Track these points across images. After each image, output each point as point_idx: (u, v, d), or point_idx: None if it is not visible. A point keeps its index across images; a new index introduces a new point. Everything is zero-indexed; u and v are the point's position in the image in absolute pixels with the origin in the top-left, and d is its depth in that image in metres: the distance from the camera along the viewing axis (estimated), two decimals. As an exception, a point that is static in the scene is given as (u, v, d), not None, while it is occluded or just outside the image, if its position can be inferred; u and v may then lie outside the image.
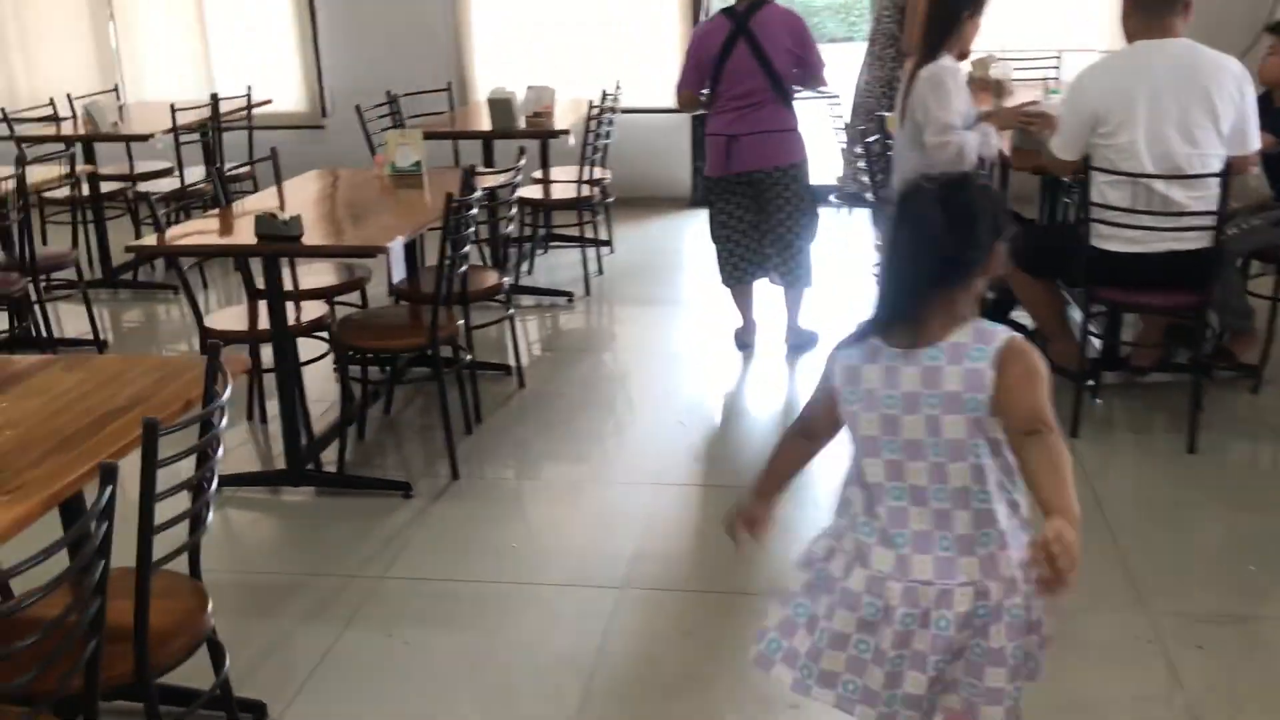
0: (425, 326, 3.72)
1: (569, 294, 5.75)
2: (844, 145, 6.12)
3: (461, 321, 4.00)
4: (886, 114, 5.08)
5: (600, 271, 6.16)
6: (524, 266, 6.15)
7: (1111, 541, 3.25)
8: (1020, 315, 4.59)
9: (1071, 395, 4.00)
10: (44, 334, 4.77)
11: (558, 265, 6.32)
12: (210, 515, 2.22)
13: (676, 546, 3.39)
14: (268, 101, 7.04)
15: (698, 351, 4.99)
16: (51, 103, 6.31)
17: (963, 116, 4.32)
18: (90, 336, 5.04)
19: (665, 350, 5.08)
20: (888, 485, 1.86)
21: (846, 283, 5.41)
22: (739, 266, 4.80)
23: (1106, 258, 3.81)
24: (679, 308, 5.72)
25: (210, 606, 2.20)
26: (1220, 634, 2.84)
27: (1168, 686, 2.64)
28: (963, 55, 4.42)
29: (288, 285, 4.15)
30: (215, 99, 6.28)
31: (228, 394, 2.22)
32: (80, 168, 5.32)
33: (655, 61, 7.39)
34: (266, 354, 3.94)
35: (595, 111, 5.74)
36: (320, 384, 4.46)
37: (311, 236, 3.52)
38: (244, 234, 3.57)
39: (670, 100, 7.50)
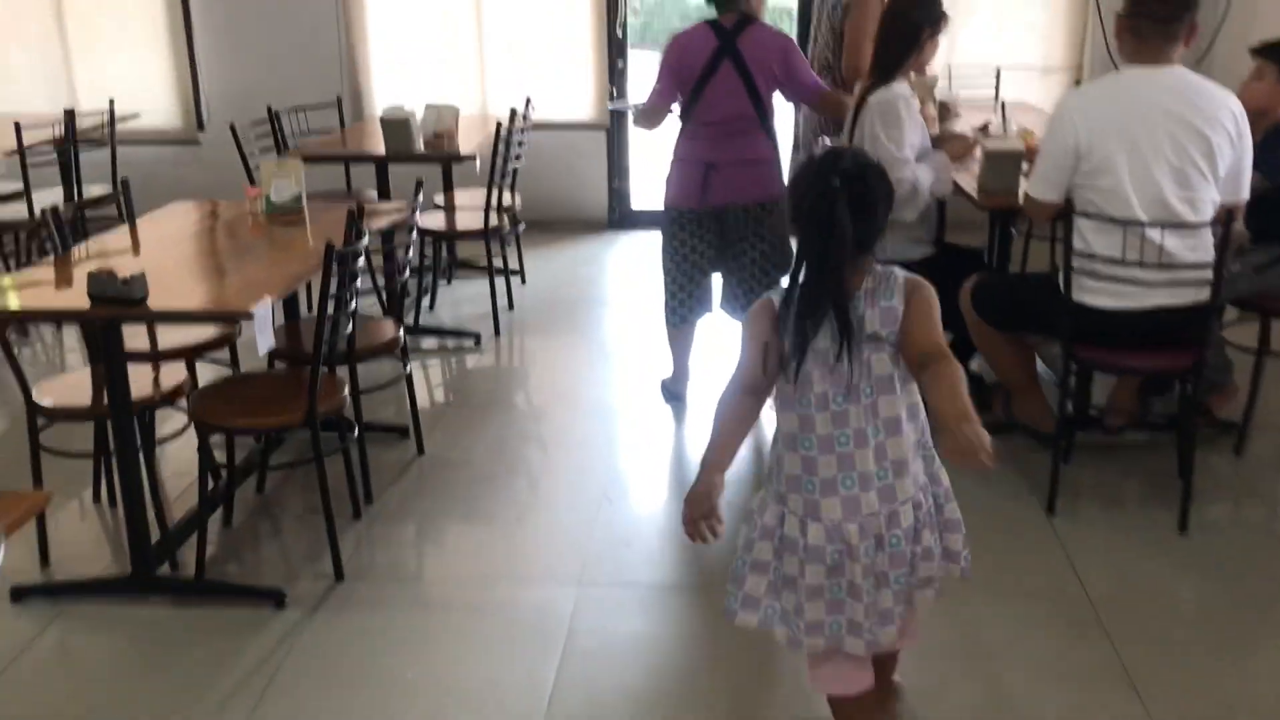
0: (303, 397, 3.12)
1: (476, 335, 5.16)
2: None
3: (348, 390, 3.39)
4: (828, 139, 4.60)
5: (511, 306, 5.58)
6: (424, 301, 5.55)
7: (1113, 653, 2.79)
8: (979, 361, 4.16)
9: (1044, 461, 3.56)
10: None
11: (463, 299, 5.73)
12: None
13: (607, 673, 2.81)
14: (135, 115, 6.32)
15: (624, 403, 4.44)
16: None
17: (915, 148, 3.86)
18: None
19: (587, 402, 4.52)
20: (835, 433, 2.06)
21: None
22: (690, 306, 4.25)
23: (1088, 313, 3.36)
24: (600, 348, 5.17)
25: None
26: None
27: None
28: (919, 74, 3.99)
29: (141, 343, 3.52)
30: (70, 114, 5.54)
31: None
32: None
33: (567, 73, 6.83)
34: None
35: (504, 132, 5.15)
36: (186, 452, 3.81)
37: (160, 296, 2.89)
38: (80, 291, 2.93)
39: (585, 113, 7.07)
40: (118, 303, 2.82)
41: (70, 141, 5.53)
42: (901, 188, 3.79)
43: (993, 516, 3.45)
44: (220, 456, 3.59)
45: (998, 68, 6.33)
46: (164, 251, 3.48)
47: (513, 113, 5.36)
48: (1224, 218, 3.20)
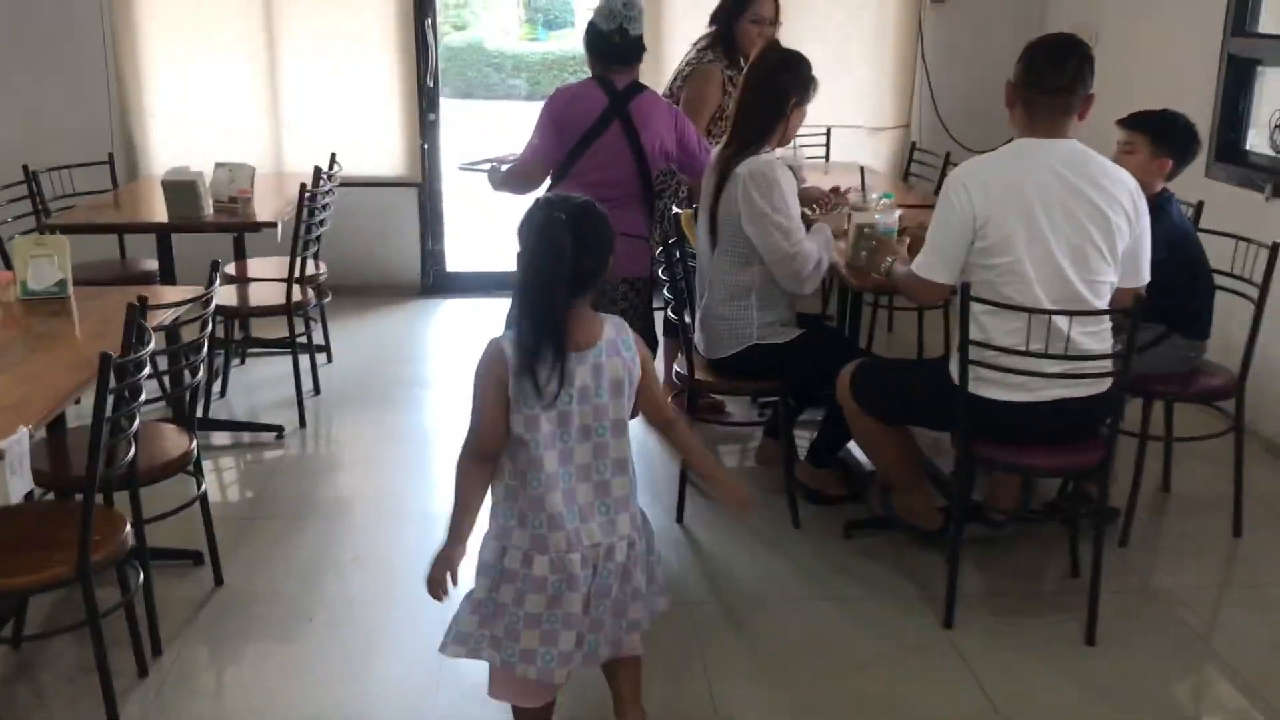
0: (74, 542, 2.47)
1: (278, 427, 4.51)
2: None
3: (130, 526, 2.73)
4: (679, 211, 4.22)
5: (316, 390, 4.95)
6: (215, 386, 4.85)
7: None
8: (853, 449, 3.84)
9: (930, 561, 3.26)
10: None
11: (260, 381, 5.06)
12: None
13: None
14: None
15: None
16: None
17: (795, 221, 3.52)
18: None
19: (412, 509, 3.94)
20: (560, 471, 2.16)
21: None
22: None
23: (985, 406, 3.06)
24: (421, 436, 4.62)
25: None
26: None
27: None
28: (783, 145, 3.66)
29: None
30: None
31: None
32: None
33: (373, 124, 6.23)
34: None
35: (308, 194, 4.55)
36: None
37: (-128, 427, 2.22)
38: None
39: (395, 168, 6.48)
40: None
41: None
42: (804, 265, 3.46)
43: (885, 629, 3.13)
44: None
45: (828, 127, 6.13)
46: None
47: (317, 171, 4.77)
48: (1131, 301, 2.96)
